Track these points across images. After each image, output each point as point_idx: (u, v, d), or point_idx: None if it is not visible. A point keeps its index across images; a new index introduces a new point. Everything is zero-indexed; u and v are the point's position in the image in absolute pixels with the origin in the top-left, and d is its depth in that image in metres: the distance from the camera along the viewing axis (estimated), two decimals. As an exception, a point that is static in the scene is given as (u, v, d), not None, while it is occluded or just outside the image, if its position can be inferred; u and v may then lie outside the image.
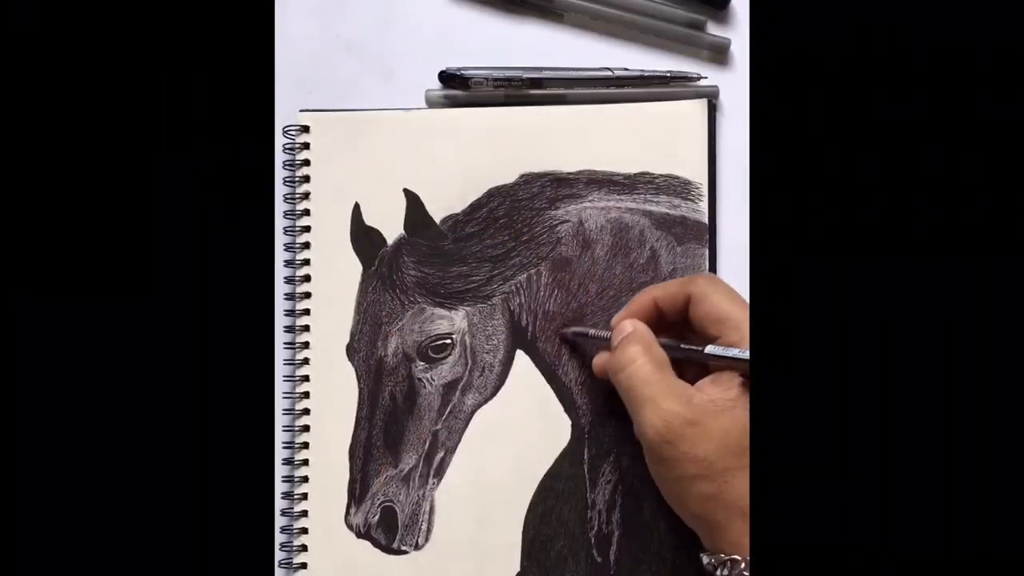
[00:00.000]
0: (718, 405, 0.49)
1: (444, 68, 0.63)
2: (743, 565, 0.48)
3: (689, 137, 0.62)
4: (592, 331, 0.59)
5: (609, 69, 0.63)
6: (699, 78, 0.62)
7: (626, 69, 0.63)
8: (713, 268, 0.61)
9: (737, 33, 0.63)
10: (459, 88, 0.63)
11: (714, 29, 0.64)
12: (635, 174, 0.62)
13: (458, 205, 0.63)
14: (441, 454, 0.61)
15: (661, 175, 0.62)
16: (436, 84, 0.64)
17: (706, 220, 0.62)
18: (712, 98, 0.62)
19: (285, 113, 0.63)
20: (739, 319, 0.51)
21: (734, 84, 0.63)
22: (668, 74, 0.62)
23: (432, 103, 0.63)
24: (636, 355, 0.52)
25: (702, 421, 0.48)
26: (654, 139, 0.62)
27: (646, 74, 0.62)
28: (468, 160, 0.63)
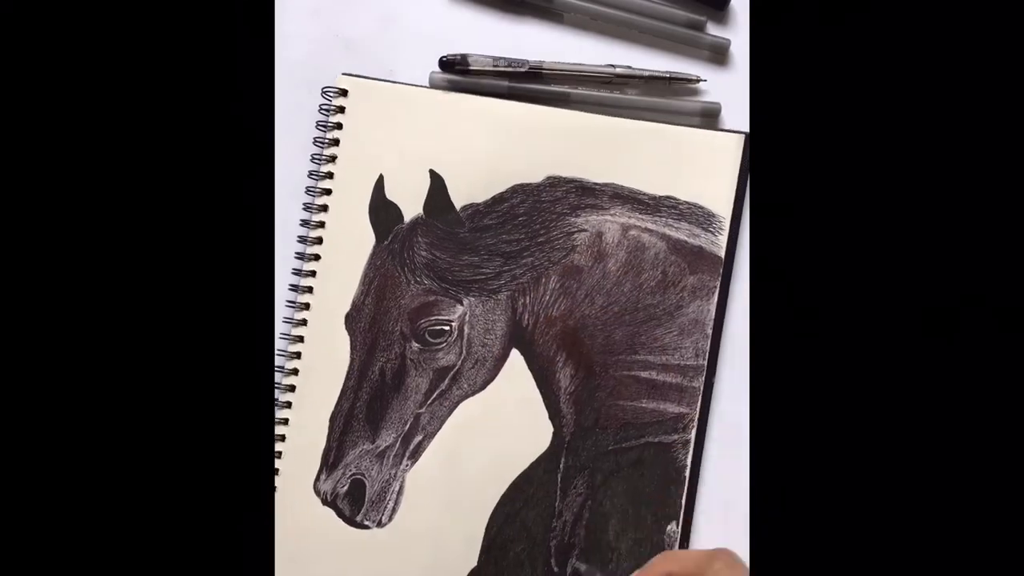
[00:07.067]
0: None
1: (444, 54, 0.63)
2: None
3: (721, 170, 0.62)
4: None
5: (612, 66, 0.63)
6: (698, 80, 0.63)
7: (629, 68, 0.63)
8: (722, 303, 0.61)
9: (737, 33, 0.63)
10: (459, 73, 0.63)
11: (714, 29, 0.64)
12: (661, 196, 0.62)
13: (480, 195, 0.63)
14: (419, 437, 0.61)
15: (686, 202, 0.62)
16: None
17: (723, 254, 0.61)
18: (713, 114, 0.62)
19: (285, 113, 0.63)
20: None
21: (734, 84, 0.63)
22: (668, 75, 0.63)
23: (435, 87, 0.64)
24: None
25: None
26: (685, 165, 0.62)
27: (645, 74, 0.63)
28: (498, 152, 0.63)
